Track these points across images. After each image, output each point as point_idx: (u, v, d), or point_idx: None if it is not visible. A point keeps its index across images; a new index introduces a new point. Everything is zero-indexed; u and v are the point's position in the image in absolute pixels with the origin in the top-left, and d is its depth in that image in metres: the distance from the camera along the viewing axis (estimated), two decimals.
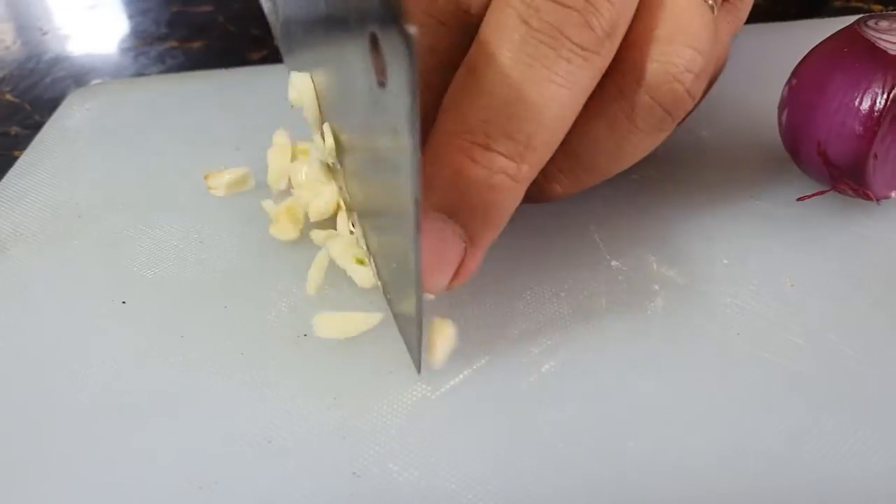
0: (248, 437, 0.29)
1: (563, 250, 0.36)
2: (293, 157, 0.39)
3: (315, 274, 0.34)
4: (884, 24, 0.33)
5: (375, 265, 0.32)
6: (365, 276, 0.33)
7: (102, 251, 0.38)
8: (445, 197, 0.27)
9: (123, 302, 0.35)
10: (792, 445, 0.28)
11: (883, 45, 0.32)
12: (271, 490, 0.28)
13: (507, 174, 0.27)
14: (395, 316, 0.31)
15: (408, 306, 0.28)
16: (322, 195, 0.35)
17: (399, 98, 0.21)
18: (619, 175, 0.34)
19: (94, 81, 0.59)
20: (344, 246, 0.35)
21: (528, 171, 0.28)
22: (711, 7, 0.30)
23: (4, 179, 0.43)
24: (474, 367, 0.31)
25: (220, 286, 0.36)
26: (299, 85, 0.33)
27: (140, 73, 0.60)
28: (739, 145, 0.41)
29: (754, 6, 0.36)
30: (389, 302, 0.32)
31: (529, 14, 0.27)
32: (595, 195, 0.37)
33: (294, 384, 0.31)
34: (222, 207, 0.40)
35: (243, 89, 0.49)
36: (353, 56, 0.25)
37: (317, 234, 0.36)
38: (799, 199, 0.36)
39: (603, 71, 0.29)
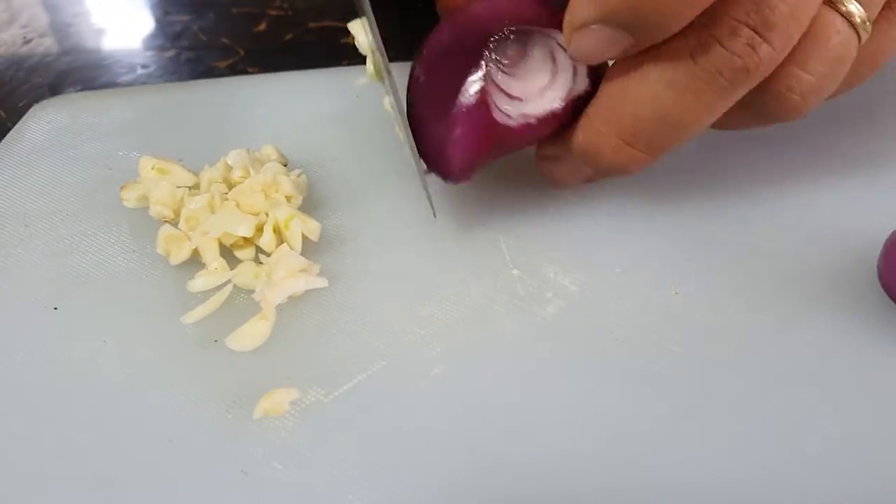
0: (151, 436, 0.32)
1: (470, 258, 0.38)
2: (161, 174, 0.42)
3: (212, 305, 0.37)
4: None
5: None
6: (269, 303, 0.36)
7: (43, 260, 0.41)
8: (589, 159, 0.35)
9: (55, 308, 0.38)
10: (651, 449, 0.30)
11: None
12: (167, 487, 0.30)
13: (638, 162, 0.34)
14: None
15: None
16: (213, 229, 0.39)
17: None
18: (528, 187, 0.40)
19: (68, 91, 0.62)
20: (252, 272, 0.37)
21: (657, 158, 0.34)
22: (858, 34, 0.32)
23: None
24: (369, 371, 0.33)
25: (146, 295, 0.38)
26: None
27: (112, 81, 0.63)
28: None
29: None
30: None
31: (698, 52, 0.31)
32: (505, 206, 0.40)
33: (199, 387, 0.33)
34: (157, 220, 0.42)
35: (196, 103, 0.52)
36: None
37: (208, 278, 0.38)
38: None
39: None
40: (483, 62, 0.35)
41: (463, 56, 0.35)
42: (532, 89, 0.36)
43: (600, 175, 0.37)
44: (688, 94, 0.31)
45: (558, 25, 0.34)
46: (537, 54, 0.36)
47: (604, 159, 0.34)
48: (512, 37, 0.35)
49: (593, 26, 0.31)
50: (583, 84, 0.36)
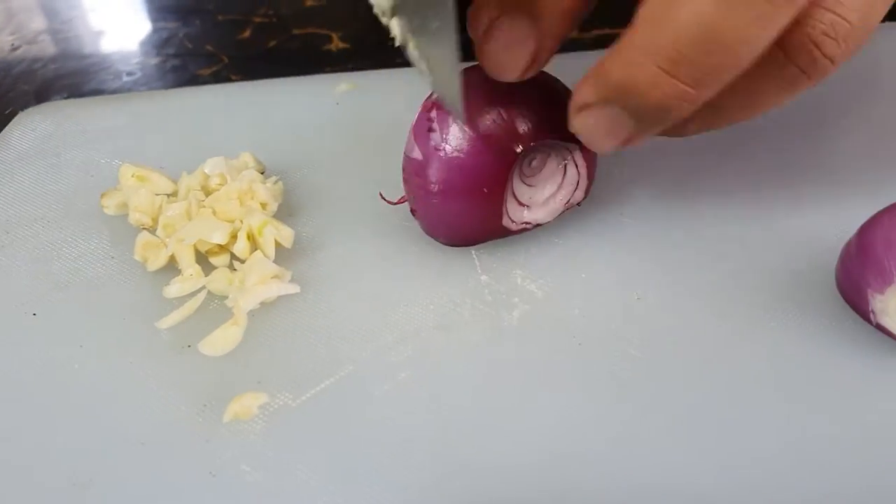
0: (125, 439, 0.33)
1: (441, 265, 0.39)
2: (141, 182, 0.43)
3: (186, 311, 0.38)
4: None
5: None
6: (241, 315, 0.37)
7: (24, 266, 0.41)
8: (626, 99, 0.30)
9: (34, 314, 0.38)
10: (612, 449, 0.31)
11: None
12: (138, 488, 0.31)
13: (682, 99, 0.29)
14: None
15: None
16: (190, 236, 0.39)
17: None
18: None
19: (54, 98, 0.63)
20: (226, 278, 0.38)
21: (703, 97, 0.29)
22: None
23: None
24: (337, 376, 0.34)
25: (123, 300, 0.39)
26: None
27: (98, 89, 0.63)
28: (612, 164, 0.43)
29: None
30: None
31: None
32: None
33: (171, 391, 0.34)
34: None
35: (177, 111, 0.53)
36: None
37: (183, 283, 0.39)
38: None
39: (793, 18, 0.29)
40: (510, 174, 0.36)
41: (492, 149, 0.35)
42: (539, 198, 0.38)
43: (642, 125, 0.31)
44: (739, 7, 0.27)
45: (573, 137, 0.34)
46: (552, 164, 0.38)
47: (642, 97, 0.29)
48: (539, 148, 0.37)
49: (594, 108, 0.31)
50: (580, 197, 0.39)
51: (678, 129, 0.33)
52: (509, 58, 0.33)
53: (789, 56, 0.30)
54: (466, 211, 0.36)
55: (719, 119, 0.34)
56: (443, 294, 0.37)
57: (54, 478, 0.31)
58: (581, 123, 0.32)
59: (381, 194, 0.39)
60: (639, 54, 0.29)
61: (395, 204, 0.38)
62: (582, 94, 0.32)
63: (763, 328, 0.35)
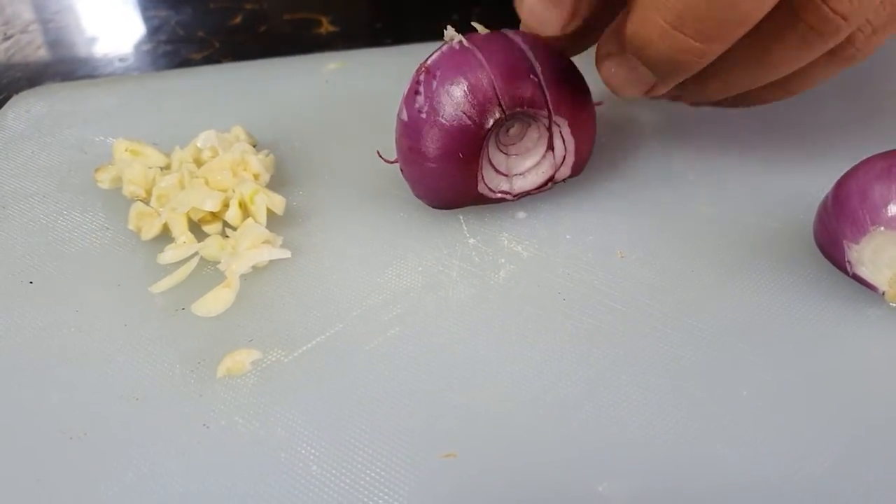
0: (120, 394, 0.33)
1: (429, 230, 0.40)
2: (134, 156, 0.44)
3: (179, 276, 0.38)
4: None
5: None
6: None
7: (20, 238, 0.42)
8: (639, 51, 0.33)
9: (31, 282, 0.39)
10: (594, 396, 0.32)
11: None
12: (133, 440, 0.32)
13: (690, 53, 0.31)
14: None
15: None
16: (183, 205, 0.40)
17: None
18: None
19: (46, 83, 0.64)
20: (218, 244, 0.39)
21: (711, 51, 0.31)
22: None
23: None
24: (328, 333, 0.35)
25: (117, 268, 0.40)
26: None
27: (90, 75, 0.64)
28: (600, 132, 0.44)
29: None
30: None
31: None
32: None
33: (167, 350, 0.35)
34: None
35: (170, 91, 0.53)
36: None
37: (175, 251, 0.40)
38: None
39: None
40: (485, 141, 0.37)
41: (468, 115, 0.36)
42: (519, 169, 0.39)
43: (658, 74, 0.34)
44: None
45: (561, 111, 0.37)
46: (532, 135, 0.38)
47: (652, 49, 0.32)
48: (518, 118, 0.37)
49: (615, 57, 0.34)
50: (566, 173, 0.39)
51: (699, 88, 0.36)
52: (548, 14, 0.34)
53: (797, 12, 0.31)
54: (444, 174, 0.37)
55: (736, 78, 0.35)
56: (431, 257, 0.38)
57: (52, 431, 0.32)
58: (605, 71, 0.36)
59: (378, 152, 0.40)
60: (649, 10, 0.31)
61: (390, 163, 0.39)
62: (604, 46, 0.35)
63: (741, 281, 0.35)
